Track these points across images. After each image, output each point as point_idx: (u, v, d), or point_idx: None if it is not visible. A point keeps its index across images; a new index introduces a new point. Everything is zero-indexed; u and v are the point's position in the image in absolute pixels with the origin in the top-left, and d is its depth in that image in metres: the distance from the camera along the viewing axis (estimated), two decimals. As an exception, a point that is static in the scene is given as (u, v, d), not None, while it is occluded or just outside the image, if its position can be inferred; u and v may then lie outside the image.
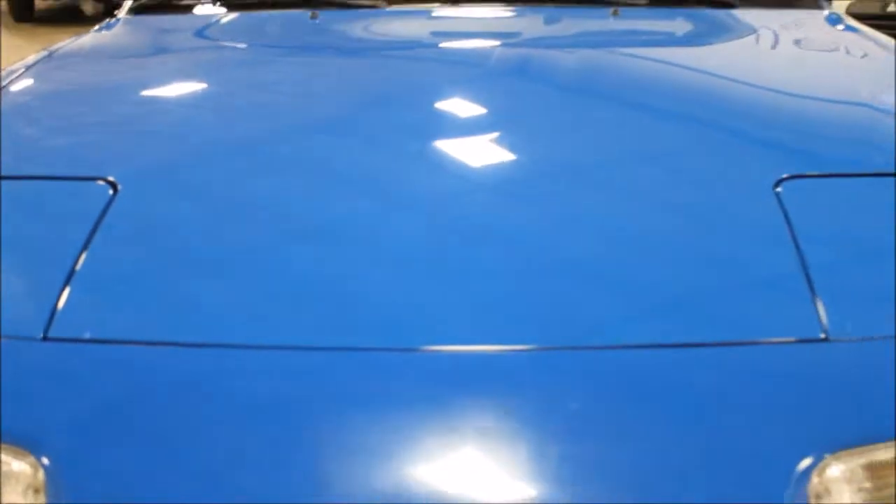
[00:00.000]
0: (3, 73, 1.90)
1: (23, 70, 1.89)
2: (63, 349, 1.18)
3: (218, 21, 2.24)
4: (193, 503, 1.05)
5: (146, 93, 1.84)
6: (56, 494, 1.07)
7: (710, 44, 2.10)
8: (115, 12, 2.40)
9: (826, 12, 2.20)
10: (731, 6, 2.20)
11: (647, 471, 1.07)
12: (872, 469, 1.09)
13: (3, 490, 1.10)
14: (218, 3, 2.32)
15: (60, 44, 2.08)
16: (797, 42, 2.07)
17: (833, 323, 1.17)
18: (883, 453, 1.09)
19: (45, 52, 2.00)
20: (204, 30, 2.22)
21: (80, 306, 1.21)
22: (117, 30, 2.20)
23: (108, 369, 1.17)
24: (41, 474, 1.09)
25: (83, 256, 1.27)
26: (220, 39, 2.19)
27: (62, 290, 1.23)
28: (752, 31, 2.12)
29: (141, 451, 1.09)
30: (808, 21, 2.15)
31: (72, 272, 1.25)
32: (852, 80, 1.84)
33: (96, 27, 2.24)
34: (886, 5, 6.18)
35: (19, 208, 1.39)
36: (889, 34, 6.32)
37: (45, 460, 1.09)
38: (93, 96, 1.81)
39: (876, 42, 1.98)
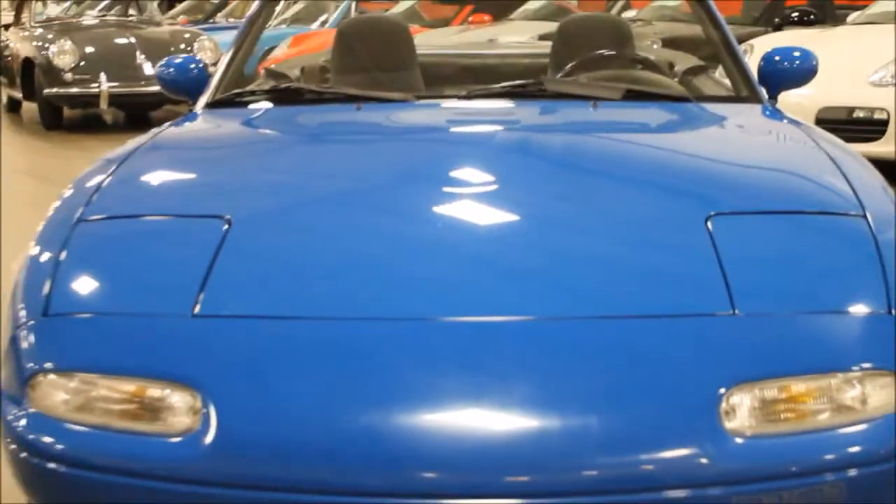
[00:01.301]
0: (113, 155, 2.39)
1: (133, 152, 2.39)
2: (206, 322, 1.71)
3: (280, 113, 2.81)
4: (300, 415, 1.57)
5: (237, 164, 2.42)
6: (207, 415, 1.59)
7: (665, 129, 2.67)
8: (191, 106, 2.93)
9: (762, 105, 2.77)
10: (687, 100, 2.77)
11: (612, 397, 1.59)
12: (764, 399, 1.61)
13: (174, 412, 1.61)
14: (269, 99, 2.88)
15: (156, 130, 2.60)
16: (735, 128, 2.64)
17: (740, 304, 1.70)
18: (771, 387, 1.61)
19: (146, 137, 2.52)
20: (271, 119, 2.79)
21: (219, 291, 1.75)
22: (199, 121, 2.76)
23: (237, 333, 1.70)
24: (198, 402, 1.60)
25: (214, 264, 1.81)
26: (287, 126, 2.76)
27: (203, 284, 1.76)
28: (699, 118, 2.69)
29: (264, 384, 1.61)
30: (747, 112, 2.72)
31: (208, 273, 1.79)
32: (770, 152, 2.41)
33: (178, 119, 2.79)
34: (852, 112, 6.81)
35: (169, 234, 1.95)
36: (854, 137, 6.89)
37: (199, 393, 1.61)
38: (198, 167, 2.40)
39: (797, 126, 2.53)
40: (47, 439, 1.65)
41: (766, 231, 1.90)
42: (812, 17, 9.00)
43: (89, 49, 10.24)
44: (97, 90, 9.96)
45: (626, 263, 1.84)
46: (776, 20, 9.23)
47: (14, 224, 6.57)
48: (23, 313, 1.79)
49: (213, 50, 10.35)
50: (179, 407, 1.62)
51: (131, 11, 12.35)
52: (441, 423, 1.55)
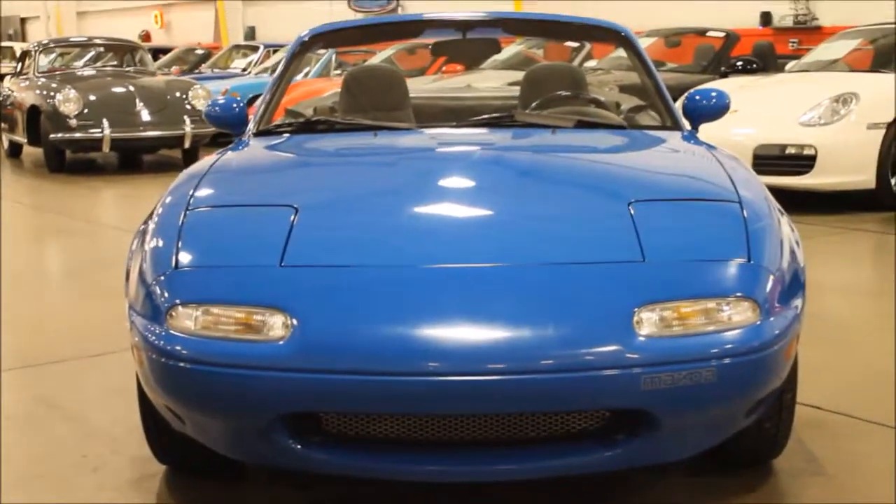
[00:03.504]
0: (194, 171, 3.17)
1: (211, 166, 3.16)
2: (289, 270, 2.53)
3: (315, 139, 3.65)
4: (351, 325, 2.37)
5: (292, 173, 3.30)
6: (294, 328, 2.39)
7: (604, 148, 3.53)
8: (235, 137, 3.73)
9: (682, 132, 3.62)
10: (624, 128, 3.62)
11: (560, 313, 2.40)
12: (663, 316, 2.42)
13: (271, 327, 2.41)
14: (301, 130, 3.70)
15: (218, 154, 3.39)
16: (657, 147, 3.49)
17: (648, 255, 2.53)
18: (669, 307, 2.42)
19: (213, 158, 3.31)
20: (309, 143, 3.62)
21: (296, 250, 2.56)
22: (252, 146, 3.58)
23: (311, 276, 2.52)
24: (288, 320, 2.40)
25: (290, 234, 2.62)
26: (323, 147, 3.60)
27: (285, 244, 2.58)
28: (632, 140, 3.54)
29: (328, 306, 2.42)
30: (669, 137, 3.57)
31: (287, 240, 2.60)
32: (679, 163, 3.28)
33: (234, 144, 3.60)
34: (785, 148, 7.69)
35: (254, 217, 2.78)
36: (786, 171, 7.78)
37: (289, 313, 2.41)
38: (264, 176, 3.28)
39: (704, 147, 3.37)
40: (180, 348, 2.44)
41: (670, 212, 2.74)
42: (755, 65, 9.93)
43: (92, 97, 11.03)
44: (100, 135, 10.75)
45: (571, 232, 2.68)
46: (722, 68, 10.17)
47: (38, 244, 7.38)
48: (157, 269, 2.59)
49: (206, 97, 11.14)
50: (275, 323, 2.41)
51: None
52: (444, 330, 2.36)
